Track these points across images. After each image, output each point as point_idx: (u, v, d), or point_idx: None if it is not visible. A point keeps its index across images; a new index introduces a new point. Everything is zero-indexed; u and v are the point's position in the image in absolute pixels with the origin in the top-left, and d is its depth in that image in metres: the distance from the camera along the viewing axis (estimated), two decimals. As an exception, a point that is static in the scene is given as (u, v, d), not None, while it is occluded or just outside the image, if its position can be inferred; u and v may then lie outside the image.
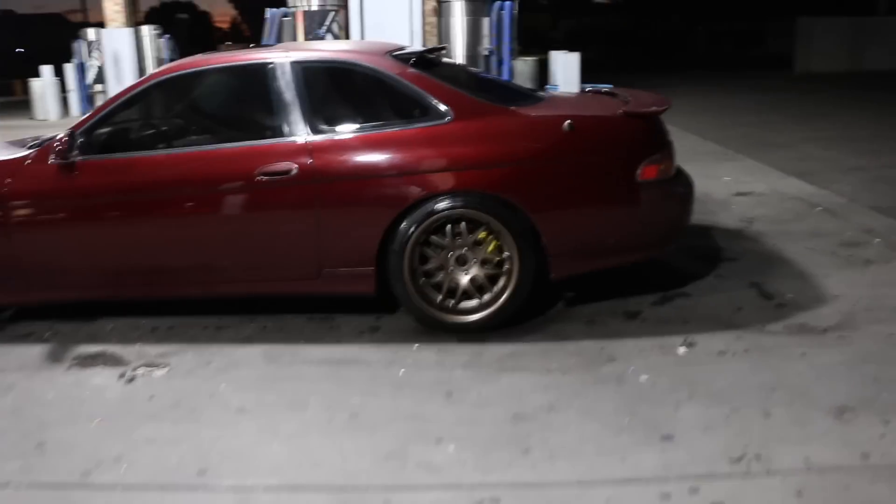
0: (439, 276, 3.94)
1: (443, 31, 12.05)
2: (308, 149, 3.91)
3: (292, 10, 11.29)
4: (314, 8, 11.18)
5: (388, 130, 3.96)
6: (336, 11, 11.24)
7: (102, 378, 3.68)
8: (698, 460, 2.75)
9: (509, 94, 4.42)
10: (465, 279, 3.94)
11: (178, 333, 4.15)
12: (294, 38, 11.27)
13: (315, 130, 3.96)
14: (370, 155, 3.91)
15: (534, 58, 14.50)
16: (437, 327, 3.95)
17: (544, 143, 3.93)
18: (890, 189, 6.87)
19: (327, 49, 4.59)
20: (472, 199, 3.82)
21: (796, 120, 11.96)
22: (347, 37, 11.25)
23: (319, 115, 4.02)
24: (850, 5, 26.90)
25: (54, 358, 3.93)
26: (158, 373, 3.70)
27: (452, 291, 3.95)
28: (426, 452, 2.88)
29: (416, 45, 9.82)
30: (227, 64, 4.41)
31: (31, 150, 4.25)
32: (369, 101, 4.26)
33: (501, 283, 3.92)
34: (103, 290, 4.25)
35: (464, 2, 11.70)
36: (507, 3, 11.78)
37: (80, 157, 4.04)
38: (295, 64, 4.11)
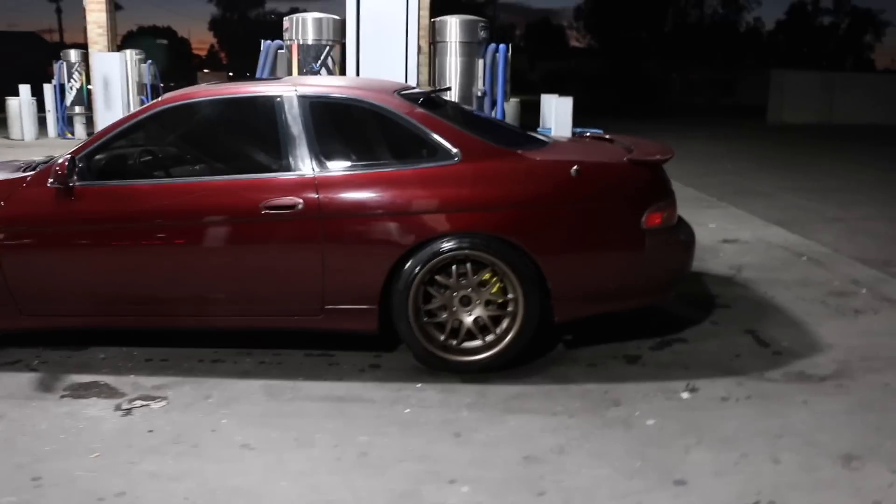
0: (443, 316, 3.93)
1: (437, 70, 12.19)
2: (314, 184, 3.90)
3: (288, 42, 11.29)
4: (310, 42, 11.20)
5: (396, 169, 3.97)
6: (332, 46, 11.27)
7: (97, 409, 3.59)
8: (713, 507, 2.76)
9: (515, 137, 4.45)
10: (468, 319, 3.93)
11: (173, 366, 4.08)
12: (289, 72, 11.28)
13: (321, 166, 3.94)
14: (377, 193, 3.89)
15: (515, 99, 14.67)
16: (439, 367, 3.93)
17: (551, 188, 3.95)
18: (871, 240, 7.02)
19: (335, 85, 4.58)
20: (477, 241, 3.83)
21: (774, 169, 12.22)
22: (343, 72, 11.29)
23: (326, 150, 4.00)
24: (816, 59, 27.75)
25: (45, 387, 3.83)
26: (156, 406, 3.62)
27: (455, 331, 3.94)
28: (440, 493, 2.85)
29: (414, 84, 9.89)
30: (233, 95, 4.37)
31: (28, 173, 4.18)
32: (377, 139, 4.27)
33: (505, 324, 3.92)
34: (97, 319, 4.16)
35: (458, 43, 11.87)
36: (502, 45, 12.00)
37: (79, 183, 3.98)
38: (303, 98, 4.09)
